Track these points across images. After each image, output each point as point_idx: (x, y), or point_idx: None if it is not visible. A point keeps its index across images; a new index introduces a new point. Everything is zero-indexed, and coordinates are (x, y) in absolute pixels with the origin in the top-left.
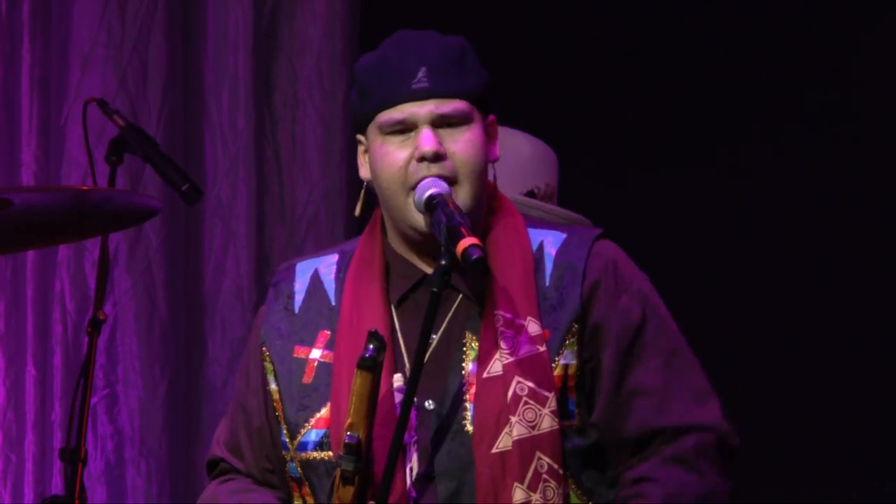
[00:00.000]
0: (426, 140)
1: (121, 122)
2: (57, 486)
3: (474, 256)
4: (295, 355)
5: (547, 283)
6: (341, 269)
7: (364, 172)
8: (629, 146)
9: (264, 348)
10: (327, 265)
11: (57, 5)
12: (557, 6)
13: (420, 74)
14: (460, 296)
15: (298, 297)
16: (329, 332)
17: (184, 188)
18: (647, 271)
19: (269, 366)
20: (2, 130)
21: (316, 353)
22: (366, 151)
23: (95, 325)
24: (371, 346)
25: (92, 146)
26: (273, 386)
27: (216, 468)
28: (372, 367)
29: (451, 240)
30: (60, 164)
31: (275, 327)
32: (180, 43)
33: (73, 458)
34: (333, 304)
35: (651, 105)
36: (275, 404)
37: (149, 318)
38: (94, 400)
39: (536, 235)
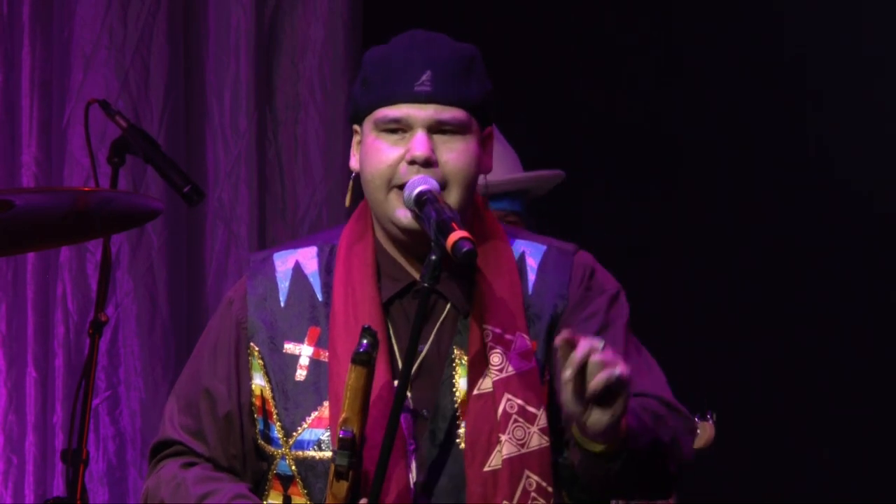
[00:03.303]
0: (419, 144)
1: (123, 123)
2: (58, 488)
3: (465, 249)
4: (285, 351)
5: (530, 293)
6: (324, 263)
7: (354, 163)
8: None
9: (252, 343)
10: (308, 258)
11: (59, 7)
12: (559, 6)
13: (424, 77)
14: (448, 305)
15: (283, 289)
16: (319, 329)
17: (185, 190)
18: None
19: (257, 362)
20: (2, 132)
21: (307, 350)
22: (360, 142)
23: (97, 327)
24: (364, 342)
25: (94, 148)
26: (259, 382)
27: (167, 449)
28: (367, 362)
29: (441, 233)
30: (62, 165)
31: (262, 320)
32: (182, 44)
33: (75, 459)
34: (320, 299)
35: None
36: (256, 401)
37: (150, 320)
38: (95, 401)
39: (517, 246)
